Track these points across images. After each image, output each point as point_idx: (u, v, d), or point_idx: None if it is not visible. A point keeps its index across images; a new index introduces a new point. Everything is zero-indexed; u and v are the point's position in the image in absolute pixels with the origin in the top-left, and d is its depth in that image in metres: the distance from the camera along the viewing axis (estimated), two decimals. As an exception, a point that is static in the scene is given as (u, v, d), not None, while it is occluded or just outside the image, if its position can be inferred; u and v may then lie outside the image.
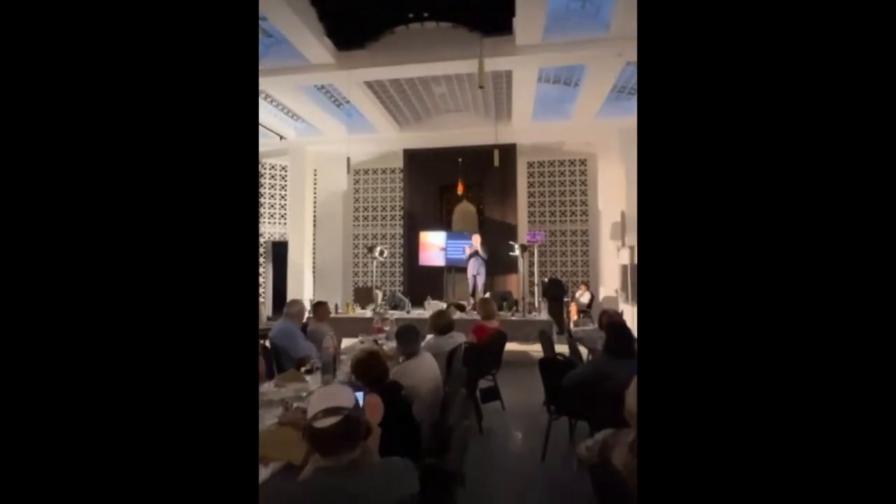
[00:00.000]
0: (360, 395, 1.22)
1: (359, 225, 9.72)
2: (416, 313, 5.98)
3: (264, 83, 5.87)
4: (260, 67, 5.09)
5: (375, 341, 3.60)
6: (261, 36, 5.13)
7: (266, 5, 4.36)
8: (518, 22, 4.77)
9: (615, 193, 7.85)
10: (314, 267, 9.12)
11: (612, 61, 5.36)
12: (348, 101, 6.80)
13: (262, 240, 9.12)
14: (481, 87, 3.73)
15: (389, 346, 3.28)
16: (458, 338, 3.34)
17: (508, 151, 7.87)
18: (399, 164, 9.05)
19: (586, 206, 8.90)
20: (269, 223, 9.26)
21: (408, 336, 2.50)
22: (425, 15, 5.15)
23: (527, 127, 7.48)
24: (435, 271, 8.22)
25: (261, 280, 9.10)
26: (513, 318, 5.78)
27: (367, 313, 6.05)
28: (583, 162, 8.93)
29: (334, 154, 8.32)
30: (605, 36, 4.97)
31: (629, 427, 1.24)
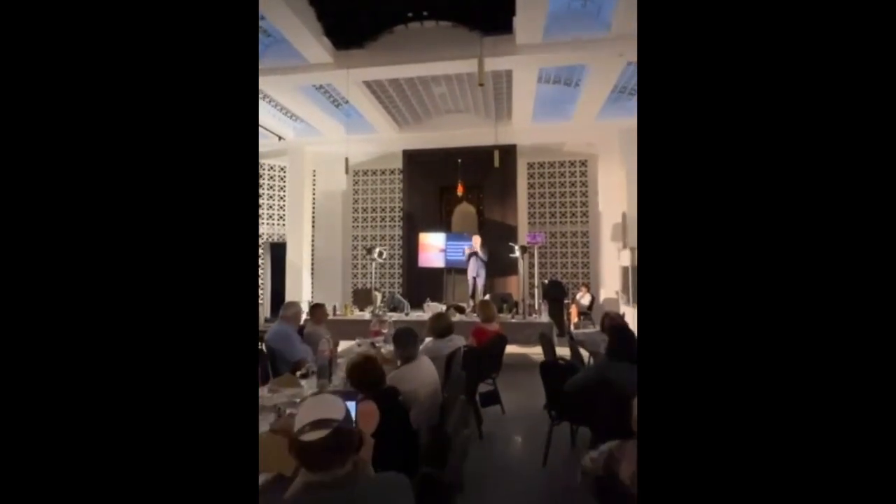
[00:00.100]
0: (352, 403, 1.15)
1: (358, 226, 9.67)
2: (416, 315, 5.92)
3: (263, 83, 5.82)
4: (259, 67, 5.04)
5: (373, 344, 3.54)
6: (259, 35, 5.09)
7: (264, 4, 4.31)
8: (518, 21, 4.72)
9: (616, 194, 7.81)
10: (313, 268, 9.07)
11: (613, 61, 5.31)
12: (347, 102, 6.75)
13: (260, 241, 9.07)
14: (481, 84, 3.69)
15: (387, 348, 3.22)
16: (458, 341, 3.28)
17: (508, 152, 7.82)
18: (398, 164, 9.00)
19: (587, 207, 8.85)
20: (268, 224, 9.21)
21: (405, 339, 2.44)
22: (425, 14, 5.10)
23: (527, 128, 7.44)
24: (434, 273, 8.17)
25: (259, 281, 9.04)
26: (513, 320, 5.73)
27: (366, 315, 5.99)
28: (583, 163, 8.88)
29: (333, 155, 8.27)
30: (606, 36, 4.92)
31: (636, 438, 1.18)
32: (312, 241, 9.04)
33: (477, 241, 7.21)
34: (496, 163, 6.34)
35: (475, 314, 5.46)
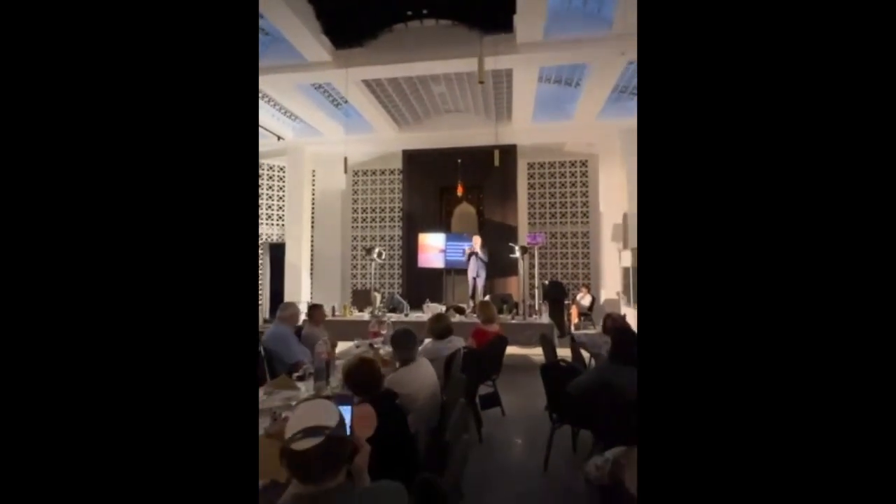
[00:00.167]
0: (347, 408, 1.11)
1: (357, 226, 9.62)
2: (415, 316, 5.87)
3: (261, 82, 5.78)
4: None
5: (371, 345, 3.49)
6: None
7: (263, 3, 4.27)
8: (519, 19, 4.68)
9: (616, 195, 7.78)
10: (312, 269, 9.02)
11: (614, 60, 5.27)
12: (346, 101, 6.71)
13: (259, 241, 9.03)
14: (481, 82, 3.65)
15: (386, 350, 3.18)
16: (457, 342, 3.24)
17: (508, 152, 7.78)
18: (398, 164, 8.96)
19: (587, 207, 8.81)
20: (267, 224, 9.16)
21: (404, 341, 2.39)
22: (424, 12, 5.06)
23: (527, 127, 7.40)
24: (434, 273, 8.13)
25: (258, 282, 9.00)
26: (513, 321, 5.68)
27: (365, 316, 5.95)
28: (584, 163, 8.84)
29: (332, 154, 8.22)
30: (608, 34, 4.88)
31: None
32: (312, 241, 9.00)
33: (477, 241, 7.17)
34: (496, 162, 6.29)
35: (475, 315, 5.42)
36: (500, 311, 5.64)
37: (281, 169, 9.14)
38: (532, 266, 6.93)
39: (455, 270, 7.92)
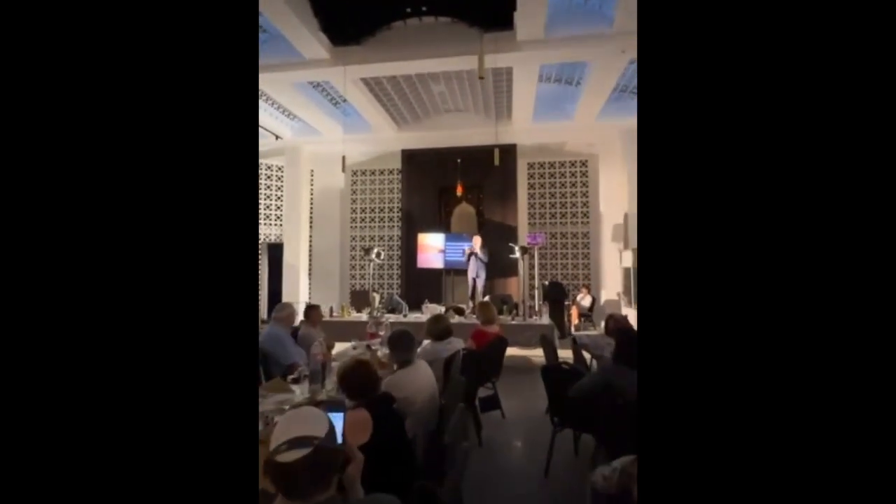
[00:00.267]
0: (339, 415, 1.04)
1: (356, 226, 9.56)
2: (414, 317, 5.81)
3: (260, 80, 5.72)
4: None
5: (369, 347, 3.43)
6: (254, 31, 4.99)
7: (261, 0, 4.21)
8: (519, 16, 4.63)
9: (617, 195, 7.74)
10: (310, 269, 8.95)
11: (615, 59, 5.22)
12: (345, 100, 6.65)
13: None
14: (481, 77, 3.59)
15: (383, 351, 3.11)
16: (457, 343, 3.17)
17: (508, 152, 7.72)
18: (397, 164, 8.90)
19: (587, 207, 8.76)
20: (265, 224, 9.10)
21: (402, 342, 2.32)
22: (423, 9, 5.00)
23: (527, 127, 7.35)
24: (433, 274, 8.07)
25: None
26: (513, 321, 5.63)
27: (363, 317, 5.89)
28: (584, 163, 8.79)
29: (331, 154, 8.16)
30: (609, 32, 4.82)
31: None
32: (310, 241, 8.94)
33: (477, 241, 7.11)
34: (496, 162, 6.22)
35: (474, 316, 5.36)
36: (500, 312, 5.59)
37: (279, 168, 9.08)
38: (532, 266, 6.87)
39: (454, 271, 7.86)
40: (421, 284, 8.07)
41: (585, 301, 7.69)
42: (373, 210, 9.53)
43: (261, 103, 6.78)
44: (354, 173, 9.48)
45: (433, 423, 2.15)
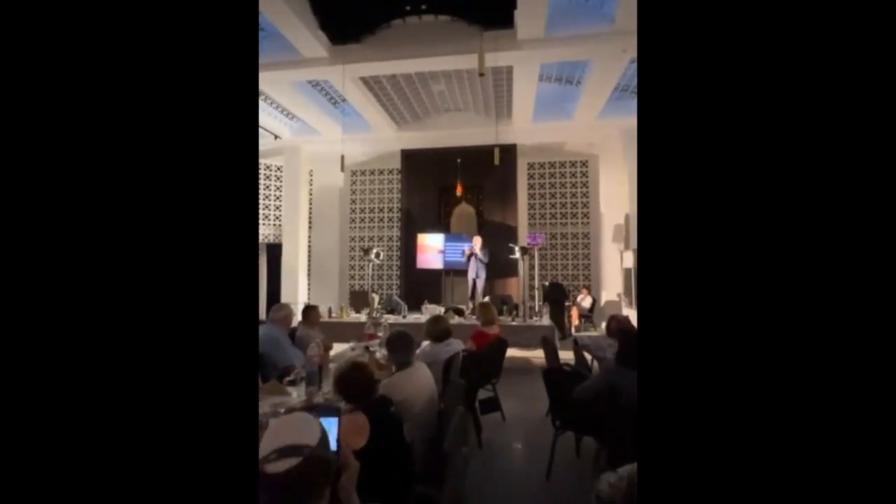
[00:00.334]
0: (333, 421, 1.00)
1: (355, 226, 9.52)
2: (413, 318, 5.77)
3: (259, 80, 5.68)
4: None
5: (367, 348, 3.38)
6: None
7: (258, -3, 4.18)
8: (520, 15, 4.60)
9: (617, 195, 7.71)
10: (309, 269, 8.91)
11: (616, 58, 5.18)
12: (344, 100, 6.61)
13: (255, 241, 8.92)
14: (482, 74, 3.55)
15: (382, 353, 3.06)
16: (456, 345, 3.13)
17: (508, 152, 7.69)
18: (397, 164, 8.86)
19: (588, 208, 8.73)
20: (264, 224, 9.05)
21: (401, 344, 2.28)
22: (423, 7, 4.97)
23: (527, 127, 7.31)
24: (433, 274, 8.03)
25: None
26: (513, 322, 5.59)
27: (362, 317, 5.84)
28: (584, 163, 8.76)
29: (330, 154, 8.12)
30: (610, 30, 4.79)
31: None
32: (309, 241, 8.90)
33: (477, 241, 7.07)
34: (496, 162, 6.18)
35: (474, 317, 5.32)
36: (500, 313, 5.54)
37: (278, 168, 9.04)
38: (532, 267, 6.84)
39: (454, 271, 7.82)
40: (420, 285, 8.03)
41: (586, 302, 7.65)
42: (372, 210, 9.49)
43: (260, 103, 6.74)
44: (354, 173, 9.44)
45: (432, 428, 2.10)
